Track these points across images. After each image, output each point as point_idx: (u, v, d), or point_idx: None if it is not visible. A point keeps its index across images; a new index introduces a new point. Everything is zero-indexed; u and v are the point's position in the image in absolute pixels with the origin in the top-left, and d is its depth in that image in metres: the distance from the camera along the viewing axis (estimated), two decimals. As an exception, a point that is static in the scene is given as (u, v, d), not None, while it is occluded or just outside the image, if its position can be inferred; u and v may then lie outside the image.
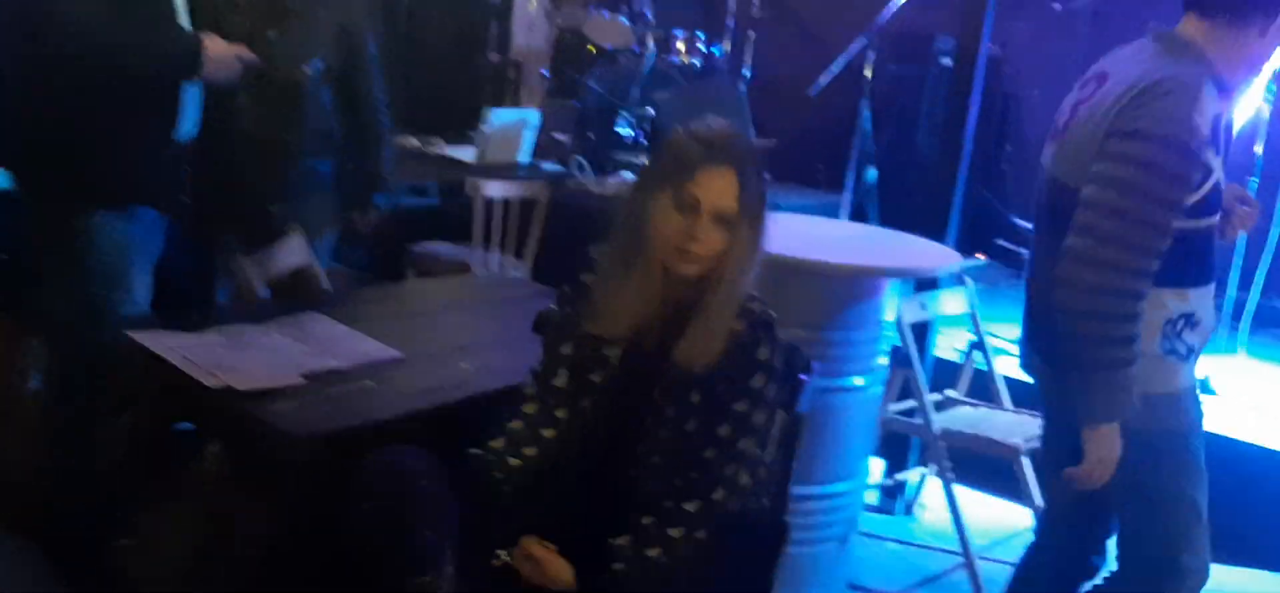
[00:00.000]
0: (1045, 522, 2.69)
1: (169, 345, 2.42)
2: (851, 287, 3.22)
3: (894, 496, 4.05)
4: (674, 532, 2.05)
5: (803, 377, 2.31)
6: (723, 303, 2.07)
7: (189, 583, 2.50)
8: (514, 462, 2.15)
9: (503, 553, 2.08)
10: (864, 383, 3.30)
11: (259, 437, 2.23)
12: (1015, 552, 3.71)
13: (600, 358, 2.16)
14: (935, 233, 3.78)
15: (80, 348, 2.74)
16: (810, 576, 3.33)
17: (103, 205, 2.71)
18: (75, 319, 2.73)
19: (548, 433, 2.17)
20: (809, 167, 6.16)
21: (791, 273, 3.10)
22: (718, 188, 2.05)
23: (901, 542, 3.87)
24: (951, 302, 3.79)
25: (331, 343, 2.58)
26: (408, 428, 2.30)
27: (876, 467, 3.94)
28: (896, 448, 4.02)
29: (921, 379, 3.56)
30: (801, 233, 3.51)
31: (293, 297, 3.08)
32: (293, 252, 3.19)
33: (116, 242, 2.72)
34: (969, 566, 3.48)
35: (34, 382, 3.04)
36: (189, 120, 2.81)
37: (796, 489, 2.45)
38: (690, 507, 2.07)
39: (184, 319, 2.58)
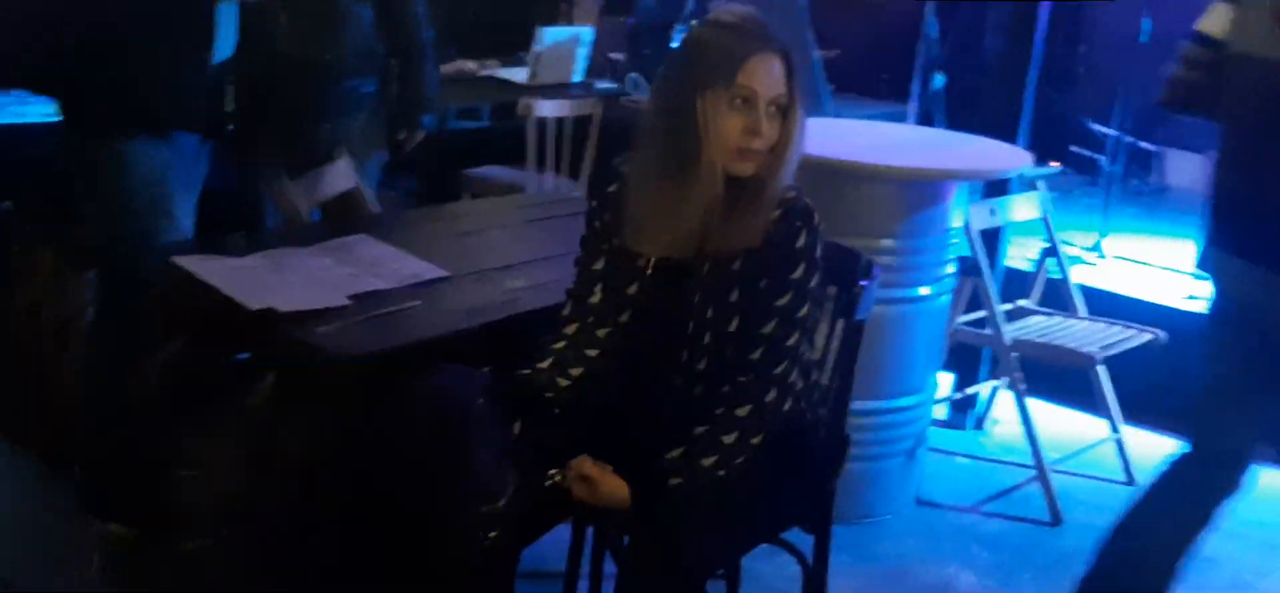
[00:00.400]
0: (1202, 432, 2.53)
1: (214, 270, 2.39)
2: (916, 192, 3.10)
3: (964, 410, 3.94)
4: (728, 438, 1.98)
5: (862, 283, 2.21)
6: (772, 192, 1.99)
7: (245, 512, 2.48)
8: (563, 383, 2.09)
9: (555, 473, 2.02)
10: (930, 293, 3.19)
11: (304, 359, 2.19)
12: (1090, 465, 3.61)
13: (633, 269, 2.07)
14: (1005, 141, 3.62)
15: (126, 277, 2.72)
16: (877, 491, 3.25)
17: (141, 131, 2.68)
18: (120, 248, 2.71)
19: (592, 353, 2.11)
20: (873, 76, 6.01)
21: (853, 179, 2.99)
22: (769, 76, 1.96)
23: (972, 456, 3.76)
24: (1023, 207, 3.64)
25: (378, 264, 2.54)
26: (455, 346, 2.26)
27: (945, 381, 3.82)
28: (966, 361, 3.90)
29: (991, 288, 3.43)
30: (863, 138, 3.39)
31: (340, 220, 3.04)
32: (340, 175, 3.16)
33: (157, 167, 2.69)
34: (1042, 479, 3.38)
35: (88, 315, 3.04)
36: (226, 42, 2.76)
37: (862, 404, 2.37)
38: (742, 411, 1.99)
39: (230, 245, 2.56)
